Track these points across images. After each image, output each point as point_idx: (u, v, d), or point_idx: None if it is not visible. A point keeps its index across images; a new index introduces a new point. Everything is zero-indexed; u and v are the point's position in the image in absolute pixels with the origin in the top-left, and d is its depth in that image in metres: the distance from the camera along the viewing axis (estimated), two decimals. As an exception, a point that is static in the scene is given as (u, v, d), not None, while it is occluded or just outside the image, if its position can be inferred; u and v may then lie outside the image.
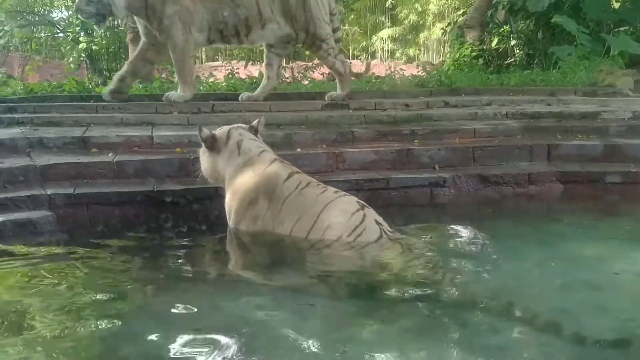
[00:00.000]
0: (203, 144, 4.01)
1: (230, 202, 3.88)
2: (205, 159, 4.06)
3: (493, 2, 13.23)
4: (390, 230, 3.56)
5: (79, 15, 7.25)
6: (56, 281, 3.26)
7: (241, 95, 6.94)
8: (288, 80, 12.82)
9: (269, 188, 3.72)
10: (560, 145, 5.76)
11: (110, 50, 14.85)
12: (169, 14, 6.13)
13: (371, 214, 3.58)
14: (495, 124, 6.33)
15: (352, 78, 7.51)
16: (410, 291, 2.98)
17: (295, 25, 6.55)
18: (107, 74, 14.82)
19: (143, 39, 6.49)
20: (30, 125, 5.42)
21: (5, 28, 14.53)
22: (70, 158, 4.76)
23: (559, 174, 5.33)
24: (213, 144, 3.96)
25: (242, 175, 3.84)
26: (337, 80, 7.12)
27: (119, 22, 13.78)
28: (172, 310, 2.85)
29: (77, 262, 3.63)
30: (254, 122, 4.22)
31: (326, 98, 6.96)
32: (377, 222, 3.53)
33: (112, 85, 6.57)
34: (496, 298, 2.80)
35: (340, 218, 3.50)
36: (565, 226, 4.41)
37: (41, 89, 7.22)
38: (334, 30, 6.96)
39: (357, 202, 3.64)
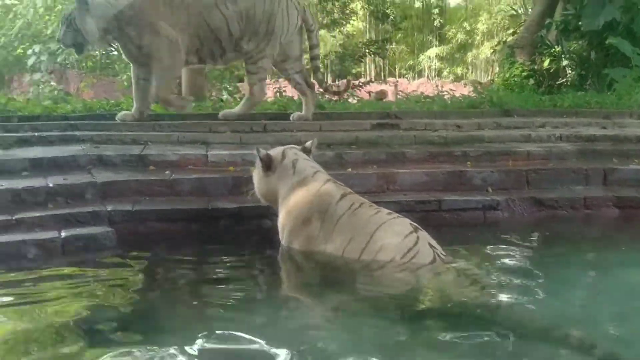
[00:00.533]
0: (259, 163, 4.08)
1: (283, 220, 3.94)
2: (259, 178, 4.14)
3: (545, 22, 13.06)
4: (443, 253, 3.53)
5: (61, 45, 7.31)
6: (116, 294, 3.36)
7: (292, 115, 6.98)
8: (335, 98, 12.91)
9: (322, 208, 3.75)
10: (617, 169, 5.63)
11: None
12: (148, 43, 6.18)
13: (425, 236, 3.56)
14: (549, 146, 6.22)
15: (335, 97, 7.35)
16: (464, 317, 2.94)
17: (253, 37, 6.45)
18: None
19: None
20: (90, 142, 5.59)
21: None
22: (128, 175, 4.90)
23: (615, 199, 5.21)
24: (269, 164, 4.03)
25: (296, 194, 3.89)
26: (244, 98, 6.94)
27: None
28: (223, 327, 2.87)
29: (136, 276, 3.76)
30: (307, 143, 4.29)
31: (220, 115, 6.75)
32: (431, 245, 3.51)
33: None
34: (553, 326, 2.73)
35: (393, 240, 3.49)
36: (622, 252, 4.29)
37: (99, 106, 7.47)
38: (313, 47, 6.90)
39: (411, 224, 3.63)
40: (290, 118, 6.85)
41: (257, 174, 4.19)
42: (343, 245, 3.60)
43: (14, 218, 4.09)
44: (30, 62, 13.79)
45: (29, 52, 13.98)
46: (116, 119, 6.43)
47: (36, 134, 5.71)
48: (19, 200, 4.33)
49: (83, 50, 6.37)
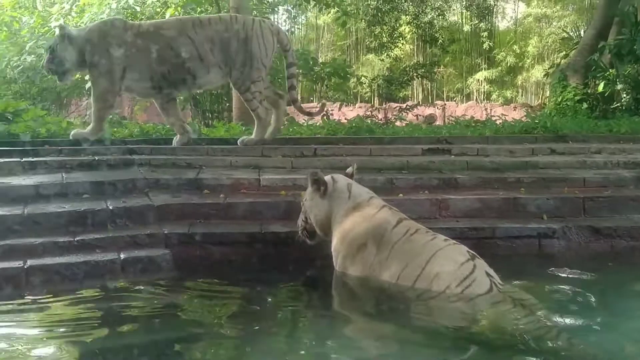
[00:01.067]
0: (314, 186, 4.10)
1: (337, 246, 3.94)
2: (313, 203, 4.15)
3: (598, 45, 12.82)
4: (501, 283, 3.46)
5: (46, 72, 7.47)
6: (163, 315, 3.44)
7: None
8: (382, 121, 12.93)
9: (378, 233, 3.74)
10: (679, 197, 5.43)
11: (213, 93, 15.56)
12: (93, 67, 6.38)
13: (482, 265, 3.50)
14: (606, 173, 6.07)
15: (308, 117, 7.21)
16: (520, 349, 2.86)
17: (232, 66, 6.46)
18: (210, 115, 15.55)
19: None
20: (148, 166, 5.76)
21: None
22: (184, 199, 5.02)
23: (677, 229, 5.01)
24: (322, 187, 4.06)
25: (351, 219, 3.90)
26: (255, 125, 6.84)
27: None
28: (273, 354, 2.91)
29: (190, 299, 3.83)
30: (348, 170, 4.33)
31: (239, 143, 6.72)
32: (488, 274, 3.45)
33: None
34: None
35: (449, 267, 3.45)
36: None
37: (155, 131, 7.69)
38: (289, 66, 6.87)
39: (467, 251, 3.58)
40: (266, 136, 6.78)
41: (310, 198, 4.21)
42: (398, 272, 3.57)
43: (75, 240, 4.24)
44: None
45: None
46: (71, 137, 6.64)
47: (96, 157, 5.91)
48: (81, 222, 4.49)
49: (64, 77, 6.59)
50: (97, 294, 3.79)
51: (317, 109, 7.78)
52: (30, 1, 14.30)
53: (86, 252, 4.14)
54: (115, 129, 8.00)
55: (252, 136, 6.81)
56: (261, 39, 6.49)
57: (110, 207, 4.65)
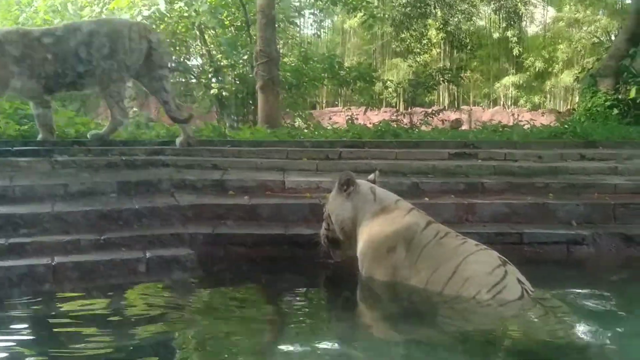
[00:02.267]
0: (340, 187, 4.06)
1: (364, 249, 3.87)
2: (338, 205, 4.09)
3: (629, 50, 12.58)
4: (532, 290, 3.38)
5: None
6: (187, 315, 3.44)
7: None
8: (407, 126, 12.87)
9: (408, 236, 3.68)
10: None
11: (239, 95, 15.66)
12: None
13: (513, 271, 3.43)
14: (637, 179, 5.94)
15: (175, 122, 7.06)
16: (551, 357, 2.80)
17: (97, 65, 6.37)
18: (235, 118, 15.66)
19: None
20: (174, 167, 5.80)
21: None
22: (209, 199, 5.04)
23: None
24: (348, 187, 4.02)
25: (379, 222, 3.84)
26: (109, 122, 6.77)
27: (249, 69, 14.57)
28: (296, 355, 2.88)
29: (212, 299, 3.86)
30: (370, 176, 4.29)
31: (88, 136, 6.65)
32: (519, 281, 3.37)
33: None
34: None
35: (480, 272, 3.38)
36: None
37: (181, 133, 7.72)
38: (158, 68, 6.71)
39: (499, 257, 3.50)
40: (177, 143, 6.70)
41: (333, 199, 4.16)
42: (427, 276, 3.50)
43: (102, 238, 4.28)
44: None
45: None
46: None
47: (123, 157, 5.97)
48: (107, 221, 4.53)
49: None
50: (121, 291, 3.82)
51: (186, 116, 7.45)
52: (62, 5, 14.54)
53: (112, 251, 4.18)
54: (142, 131, 8.08)
55: (101, 130, 6.78)
56: (126, 41, 6.42)
57: (137, 207, 4.68)
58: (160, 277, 4.04)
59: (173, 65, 16.89)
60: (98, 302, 3.65)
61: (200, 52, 17.90)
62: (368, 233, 3.88)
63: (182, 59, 17.68)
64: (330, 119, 17.70)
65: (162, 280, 4.02)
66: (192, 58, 18.65)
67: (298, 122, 15.74)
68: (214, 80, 16.01)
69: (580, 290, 4.13)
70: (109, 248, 4.22)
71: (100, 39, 6.37)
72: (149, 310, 3.50)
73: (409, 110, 21.59)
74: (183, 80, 17.57)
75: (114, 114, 6.65)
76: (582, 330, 3.10)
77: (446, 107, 23.37)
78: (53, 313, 3.45)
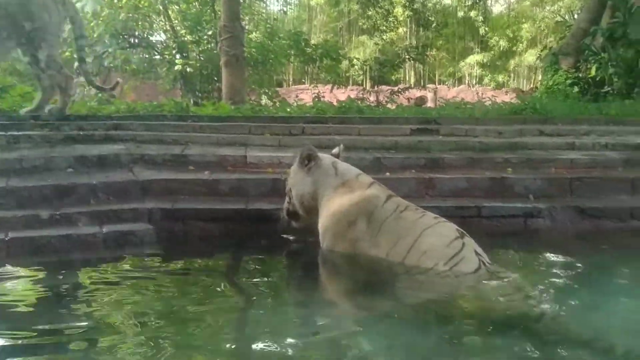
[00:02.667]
0: (301, 162, 4.04)
1: (326, 223, 3.88)
2: (299, 180, 4.08)
3: (591, 29, 12.77)
4: (489, 261, 3.44)
5: None
6: (148, 290, 3.41)
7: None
8: (373, 104, 12.89)
9: (369, 210, 3.70)
10: (665, 179, 5.44)
11: (203, 72, 15.45)
12: None
13: (470, 243, 3.48)
14: (594, 154, 6.08)
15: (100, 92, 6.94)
16: (506, 326, 2.85)
17: (21, 35, 6.20)
18: (200, 94, 15.45)
19: None
20: (133, 142, 5.70)
21: (109, 50, 15.45)
22: (169, 174, 4.97)
23: (664, 210, 5.02)
24: (309, 161, 4.00)
25: (340, 196, 3.84)
26: (38, 93, 6.60)
27: (213, 45, 14.37)
28: (255, 330, 2.88)
29: (171, 274, 3.80)
30: (334, 150, 4.28)
31: (21, 112, 6.50)
32: (477, 253, 3.42)
33: None
34: (598, 338, 2.65)
35: (438, 245, 3.43)
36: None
37: (142, 108, 7.60)
38: (77, 38, 6.68)
39: (457, 229, 3.55)
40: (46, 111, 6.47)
41: (294, 174, 4.15)
42: (387, 249, 3.54)
43: (57, 213, 4.19)
44: (76, 64, 14.16)
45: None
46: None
47: (81, 132, 5.84)
48: (64, 196, 4.44)
49: None
50: (77, 267, 3.77)
51: (112, 85, 7.42)
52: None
53: (68, 226, 4.11)
54: (102, 106, 7.91)
55: (31, 106, 6.61)
56: (44, 11, 6.24)
57: (94, 182, 4.60)
58: (117, 252, 4.00)
59: (136, 40, 16.59)
60: (51, 278, 3.57)
61: (164, 28, 17.56)
62: (329, 207, 3.88)
63: (145, 35, 17.34)
64: (297, 96, 17.57)
65: (119, 255, 3.96)
66: (155, 34, 18.30)
67: (264, 99, 15.62)
68: (178, 56, 15.75)
69: (535, 262, 4.24)
70: (64, 223, 4.15)
71: (19, 5, 6.13)
72: (104, 286, 3.46)
73: (376, 88, 21.59)
74: (146, 56, 17.24)
75: (42, 85, 6.44)
76: (537, 300, 3.16)
77: (412, 86, 23.46)
78: (6, 289, 3.38)
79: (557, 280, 3.80)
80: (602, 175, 5.51)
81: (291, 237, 4.33)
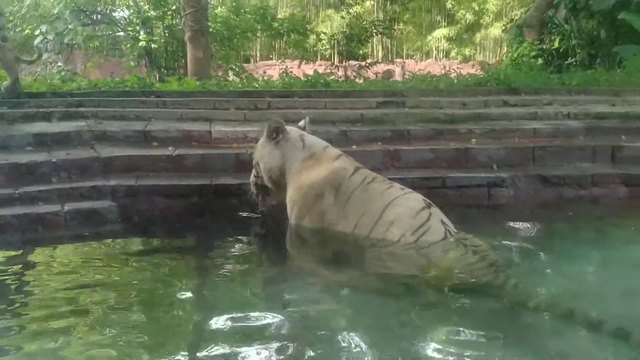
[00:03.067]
0: (269, 134, 3.98)
1: (293, 196, 3.85)
2: (266, 152, 4.00)
3: (554, 1, 12.87)
4: (455, 230, 3.49)
5: None
6: (114, 268, 3.37)
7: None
8: (341, 79, 12.83)
9: (336, 182, 3.69)
10: (625, 146, 5.57)
11: (168, 48, 15.17)
12: None
13: (437, 213, 3.51)
14: (556, 124, 6.17)
15: None
16: (470, 292, 2.91)
17: None
18: (165, 71, 15.17)
19: None
20: (94, 119, 5.59)
21: (70, 26, 15.03)
22: (132, 151, 4.90)
23: (623, 177, 5.15)
24: (283, 136, 3.94)
25: (307, 169, 3.81)
26: None
27: (178, 20, 14.10)
28: (225, 304, 2.89)
29: (136, 251, 3.78)
30: (301, 123, 4.24)
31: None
32: (443, 222, 3.46)
33: None
34: (558, 302, 2.71)
35: (405, 216, 3.45)
36: (629, 230, 4.25)
37: (104, 84, 7.45)
38: None
39: (424, 200, 3.58)
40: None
41: (261, 147, 4.06)
42: (355, 221, 3.54)
43: (17, 192, 4.11)
44: (36, 42, 13.77)
45: (37, 32, 14.00)
46: None
47: (41, 110, 5.70)
48: (23, 174, 4.34)
49: None
50: (36, 246, 3.71)
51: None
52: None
53: (28, 205, 4.03)
54: (63, 83, 7.72)
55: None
56: None
57: (54, 160, 4.51)
58: (80, 230, 3.94)
59: (99, 17, 16.17)
60: (9, 258, 3.51)
61: (127, 3, 17.14)
62: (296, 180, 3.85)
63: (107, 11, 16.91)
64: (264, 72, 17.39)
65: (82, 234, 3.91)
66: (118, 9, 17.86)
67: (232, 75, 15.41)
68: (142, 32, 15.42)
69: (499, 230, 4.31)
70: (24, 202, 4.07)
71: None
72: (64, 267, 3.41)
73: (344, 63, 21.48)
74: (110, 33, 16.85)
75: None
76: (500, 268, 3.19)
77: (380, 60, 23.39)
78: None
79: (520, 247, 3.88)
80: (564, 144, 5.61)
81: (257, 213, 4.30)
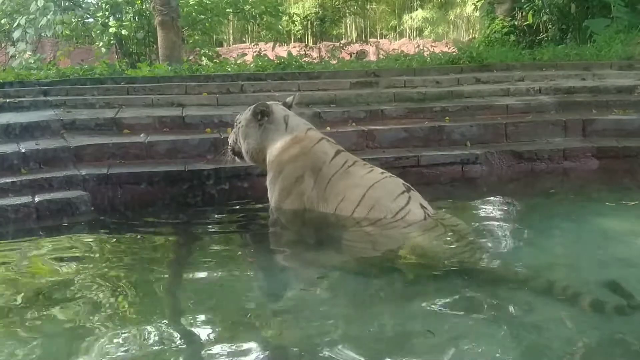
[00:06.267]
0: (250, 117, 3.90)
1: (273, 179, 3.81)
2: (250, 133, 3.91)
3: (525, -24, 12.88)
4: (434, 212, 3.51)
5: None
6: (88, 258, 3.34)
7: None
8: (316, 60, 12.76)
9: (316, 166, 3.67)
10: (596, 120, 5.64)
11: (138, 33, 14.93)
12: None
13: (416, 196, 3.53)
14: (528, 99, 6.22)
15: None
16: (448, 271, 2.93)
17: None
18: (137, 57, 14.94)
19: None
20: (63, 107, 5.51)
21: (48, 17, 14.74)
22: (103, 139, 4.83)
23: (594, 150, 5.22)
24: (263, 118, 3.86)
25: (288, 152, 3.77)
26: None
27: (148, 5, 13.86)
28: (206, 285, 2.90)
29: (111, 240, 3.73)
30: (288, 99, 4.16)
31: None
32: (422, 206, 3.48)
33: None
34: (534, 276, 2.75)
35: (385, 199, 3.45)
36: (601, 202, 4.32)
37: (73, 72, 7.32)
38: None
39: (403, 183, 3.59)
40: None
41: (245, 124, 3.94)
42: (335, 204, 3.54)
43: (-15, 184, 4.02)
44: (16, 35, 13.58)
45: (15, 24, 13.79)
46: None
47: (7, 100, 5.58)
48: (-9, 166, 4.26)
49: None
50: (5, 239, 3.65)
51: None
52: None
53: (-2, 197, 3.95)
54: (31, 72, 7.57)
55: None
56: None
57: (23, 150, 4.43)
58: (52, 222, 3.89)
59: (67, 3, 15.84)
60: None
61: (95, -11, 16.82)
62: (278, 162, 3.80)
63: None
64: (238, 55, 17.21)
65: (54, 225, 3.85)
66: (86, -4, 17.52)
67: (205, 60, 15.24)
68: (111, 18, 15.15)
69: (474, 207, 4.36)
70: (-6, 194, 3.98)
71: None
72: (36, 258, 3.36)
73: (318, 44, 21.39)
74: (79, 19, 16.54)
75: None
76: (477, 245, 3.23)
77: (354, 40, 23.32)
78: None
79: (495, 223, 3.93)
80: (536, 119, 5.66)
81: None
